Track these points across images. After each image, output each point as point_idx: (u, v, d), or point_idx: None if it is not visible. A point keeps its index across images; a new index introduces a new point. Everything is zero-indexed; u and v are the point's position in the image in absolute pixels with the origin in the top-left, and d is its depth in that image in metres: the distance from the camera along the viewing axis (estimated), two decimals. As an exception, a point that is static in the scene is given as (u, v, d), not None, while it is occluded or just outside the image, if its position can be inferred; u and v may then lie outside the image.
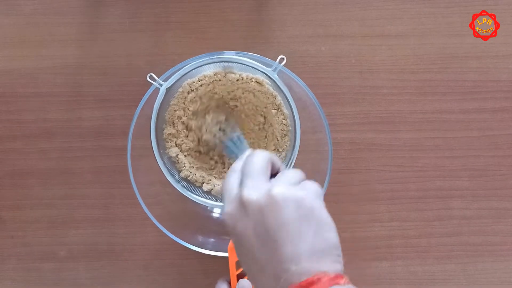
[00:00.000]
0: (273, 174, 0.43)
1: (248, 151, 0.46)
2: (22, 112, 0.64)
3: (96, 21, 0.64)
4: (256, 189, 0.39)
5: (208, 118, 0.57)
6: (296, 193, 0.39)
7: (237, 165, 0.43)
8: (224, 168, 0.60)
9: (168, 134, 0.58)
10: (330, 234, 0.39)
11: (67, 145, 0.64)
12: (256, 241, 0.39)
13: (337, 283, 0.36)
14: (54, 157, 0.64)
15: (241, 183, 0.41)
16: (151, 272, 0.64)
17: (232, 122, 0.58)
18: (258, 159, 0.42)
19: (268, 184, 0.40)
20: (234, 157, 0.52)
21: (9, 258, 0.64)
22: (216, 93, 0.58)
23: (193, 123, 0.58)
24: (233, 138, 0.53)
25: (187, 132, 0.58)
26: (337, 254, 0.39)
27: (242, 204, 0.39)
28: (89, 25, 0.64)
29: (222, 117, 0.57)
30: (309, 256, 0.37)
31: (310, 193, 0.40)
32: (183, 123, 0.58)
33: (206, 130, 0.57)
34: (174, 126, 0.58)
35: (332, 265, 0.38)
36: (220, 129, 0.57)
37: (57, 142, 0.64)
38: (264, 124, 0.59)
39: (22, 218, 0.64)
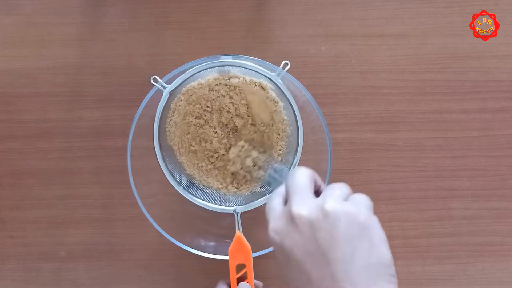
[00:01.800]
0: (315, 194, 0.43)
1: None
2: (22, 112, 0.64)
3: (96, 21, 0.64)
4: (306, 205, 0.39)
5: (241, 152, 0.57)
6: (348, 209, 0.38)
7: (281, 188, 0.43)
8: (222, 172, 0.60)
9: (171, 136, 0.58)
10: (384, 251, 0.38)
11: (67, 145, 0.64)
12: (306, 257, 0.38)
13: None
14: (54, 157, 0.64)
15: (288, 200, 0.40)
16: (151, 272, 0.64)
17: (265, 154, 0.57)
18: (301, 175, 0.42)
19: (316, 200, 0.39)
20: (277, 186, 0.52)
21: (9, 258, 0.64)
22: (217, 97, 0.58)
23: (232, 155, 0.57)
24: (271, 173, 0.53)
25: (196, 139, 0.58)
26: (391, 273, 0.38)
27: (292, 219, 0.39)
28: (89, 25, 0.64)
29: (255, 153, 0.57)
30: (363, 275, 0.36)
31: (362, 207, 0.39)
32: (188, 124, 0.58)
33: (241, 167, 0.57)
34: (176, 129, 0.58)
35: (387, 285, 0.37)
36: (254, 164, 0.56)
37: (57, 142, 0.64)
38: (265, 128, 0.59)
39: (22, 218, 0.64)
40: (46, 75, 0.64)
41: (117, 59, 0.64)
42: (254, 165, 0.56)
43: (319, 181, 0.43)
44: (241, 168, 0.57)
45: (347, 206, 0.38)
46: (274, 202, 0.42)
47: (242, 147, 0.57)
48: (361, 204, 0.39)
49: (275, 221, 0.40)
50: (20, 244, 0.64)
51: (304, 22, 0.64)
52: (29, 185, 0.64)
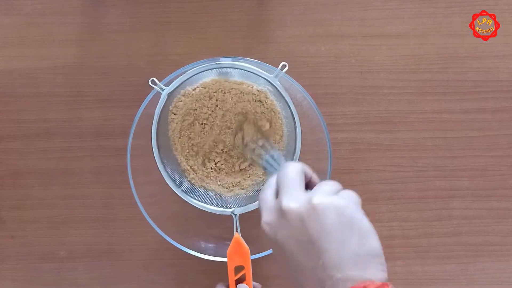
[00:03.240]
0: (307, 185, 0.44)
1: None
2: (22, 112, 0.64)
3: (96, 21, 0.64)
4: (295, 199, 0.40)
5: (241, 135, 0.58)
6: (336, 202, 0.39)
7: (273, 179, 0.44)
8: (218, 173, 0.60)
9: (171, 138, 0.58)
10: (373, 242, 0.39)
11: (67, 145, 0.64)
12: (298, 249, 0.39)
13: None
14: (54, 157, 0.64)
15: (279, 194, 0.42)
16: (151, 272, 0.64)
17: (268, 139, 0.58)
18: (291, 170, 0.43)
19: (306, 194, 0.41)
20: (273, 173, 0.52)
21: (9, 258, 0.64)
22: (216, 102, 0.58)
23: (233, 139, 0.58)
24: (271, 157, 0.53)
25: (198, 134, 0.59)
26: (380, 262, 0.39)
27: (282, 213, 0.40)
28: (89, 25, 0.64)
29: (256, 135, 0.58)
30: (353, 264, 0.38)
31: (350, 202, 0.40)
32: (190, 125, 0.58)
33: (246, 145, 0.58)
34: (175, 131, 0.58)
35: (377, 273, 0.38)
36: (255, 144, 0.57)
37: (57, 142, 0.64)
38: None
39: (22, 218, 0.64)
40: (46, 75, 0.64)
41: (117, 59, 0.64)
42: (253, 148, 0.57)
43: (310, 173, 0.45)
44: (241, 147, 0.58)
45: (335, 199, 0.40)
46: (266, 193, 0.43)
47: (246, 130, 0.58)
48: (349, 199, 0.41)
49: (267, 214, 0.42)
50: (20, 244, 0.64)
51: (304, 22, 0.64)
52: (29, 185, 0.64)
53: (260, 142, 0.57)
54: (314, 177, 0.45)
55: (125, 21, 0.64)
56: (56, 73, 0.64)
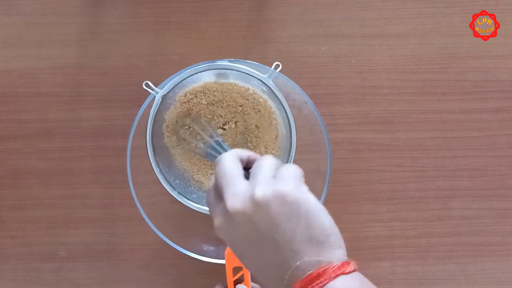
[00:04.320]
0: (247, 165, 0.43)
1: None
2: (22, 112, 0.64)
3: (96, 21, 0.64)
4: (237, 197, 0.39)
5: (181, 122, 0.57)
6: (277, 190, 0.38)
7: (214, 179, 0.43)
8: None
9: (166, 140, 0.58)
10: (322, 218, 0.38)
11: (67, 145, 0.64)
12: (254, 248, 0.39)
13: (343, 273, 0.36)
14: (54, 157, 0.64)
15: (222, 194, 0.40)
16: (151, 272, 0.64)
17: (204, 124, 0.56)
18: (224, 163, 0.41)
19: (246, 187, 0.39)
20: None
21: (9, 258, 0.65)
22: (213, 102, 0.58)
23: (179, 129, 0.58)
24: (212, 144, 0.50)
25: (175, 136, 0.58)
26: (335, 238, 0.38)
27: (229, 216, 0.39)
28: (89, 25, 0.64)
29: (189, 121, 0.57)
30: (308, 248, 0.37)
31: (290, 182, 0.38)
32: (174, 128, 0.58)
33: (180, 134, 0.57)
34: (170, 132, 0.58)
35: (334, 252, 0.37)
36: (193, 132, 0.56)
37: (57, 142, 0.64)
38: (256, 133, 0.59)
39: (22, 218, 0.64)
40: (46, 75, 0.64)
41: (117, 59, 0.64)
42: (195, 132, 0.56)
43: (246, 155, 0.43)
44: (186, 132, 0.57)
45: (276, 186, 0.38)
46: (210, 196, 0.42)
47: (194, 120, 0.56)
48: (289, 177, 0.39)
49: (217, 219, 0.40)
50: (20, 244, 0.64)
51: (304, 22, 0.64)
52: (29, 185, 0.64)
53: (203, 128, 0.55)
54: (252, 155, 0.43)
55: (125, 21, 0.64)
56: (56, 73, 0.64)
